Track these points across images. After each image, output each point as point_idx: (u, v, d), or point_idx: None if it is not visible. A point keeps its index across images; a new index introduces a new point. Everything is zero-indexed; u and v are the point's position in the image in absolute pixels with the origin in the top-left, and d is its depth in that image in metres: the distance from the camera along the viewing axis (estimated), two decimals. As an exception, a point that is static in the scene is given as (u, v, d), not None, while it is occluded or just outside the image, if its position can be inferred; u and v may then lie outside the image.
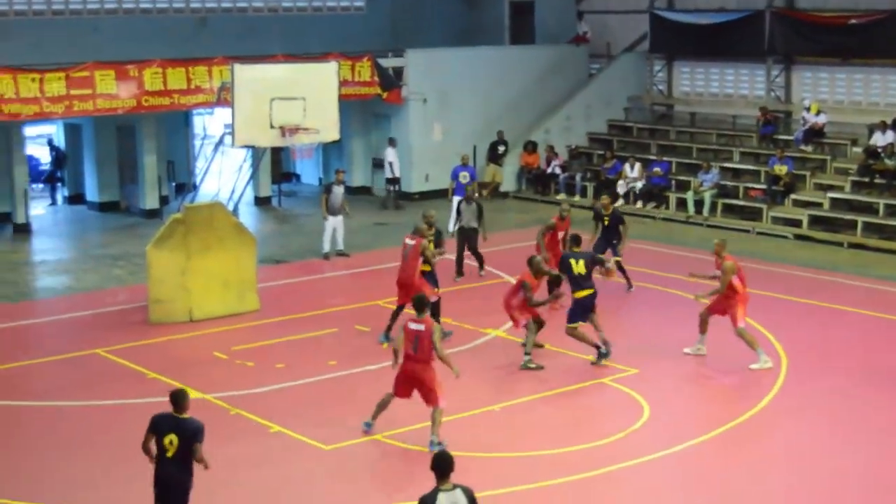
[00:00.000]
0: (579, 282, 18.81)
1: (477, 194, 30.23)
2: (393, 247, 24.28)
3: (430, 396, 15.25)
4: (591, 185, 33.95)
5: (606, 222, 23.73)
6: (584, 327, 18.78)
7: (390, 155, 33.12)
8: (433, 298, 19.05)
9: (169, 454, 11.81)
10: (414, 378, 15.27)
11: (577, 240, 19.58)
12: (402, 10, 38.71)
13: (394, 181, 33.24)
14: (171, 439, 11.79)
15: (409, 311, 17.08)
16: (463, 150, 32.19)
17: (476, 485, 10.46)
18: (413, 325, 15.21)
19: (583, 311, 18.84)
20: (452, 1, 40.17)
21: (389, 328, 19.63)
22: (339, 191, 26.66)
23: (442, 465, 10.31)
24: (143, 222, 30.73)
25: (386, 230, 29.44)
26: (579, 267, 18.77)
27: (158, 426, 11.93)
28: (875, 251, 27.22)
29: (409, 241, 19.88)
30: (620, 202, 32.57)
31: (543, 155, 35.13)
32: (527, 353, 18.60)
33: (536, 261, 18.97)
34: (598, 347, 18.78)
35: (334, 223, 26.58)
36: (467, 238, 24.81)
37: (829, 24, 32.37)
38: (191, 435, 11.79)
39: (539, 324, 18.73)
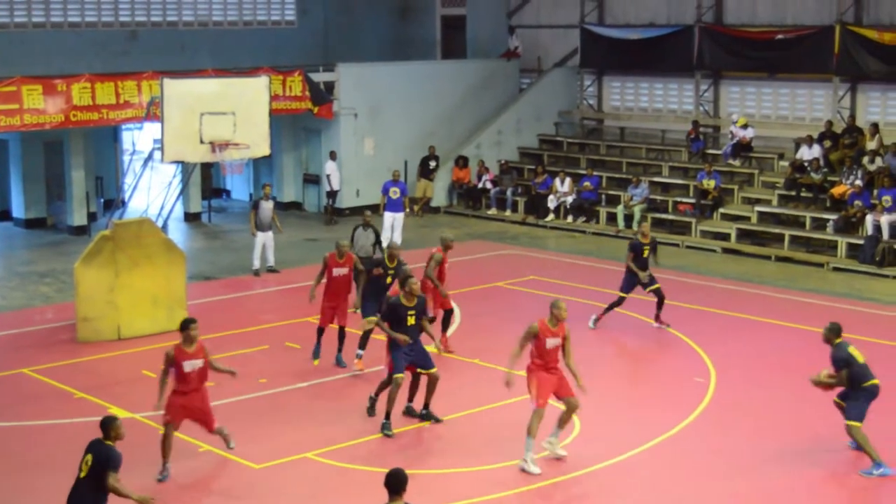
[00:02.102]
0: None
1: (408, 209, 30.31)
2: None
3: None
4: (522, 199, 34.07)
5: (645, 253, 21.93)
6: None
7: (329, 168, 33.05)
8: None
9: (82, 474, 11.81)
10: None
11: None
12: (334, 25, 38.70)
13: (331, 195, 33.18)
14: (87, 459, 11.81)
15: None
16: (394, 165, 32.22)
17: (408, 498, 10.42)
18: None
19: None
20: (384, 15, 40.21)
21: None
22: (267, 206, 26.54)
23: (395, 482, 10.27)
24: (71, 239, 30.40)
25: (317, 246, 29.33)
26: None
27: (88, 446, 11.99)
28: (802, 264, 27.55)
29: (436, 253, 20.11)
30: (551, 217, 32.77)
31: (475, 170, 35.21)
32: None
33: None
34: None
35: (264, 239, 26.45)
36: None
37: (757, 39, 32.78)
38: (104, 460, 11.75)
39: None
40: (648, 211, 31.32)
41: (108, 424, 11.99)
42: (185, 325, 14.87)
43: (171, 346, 14.92)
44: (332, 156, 33.25)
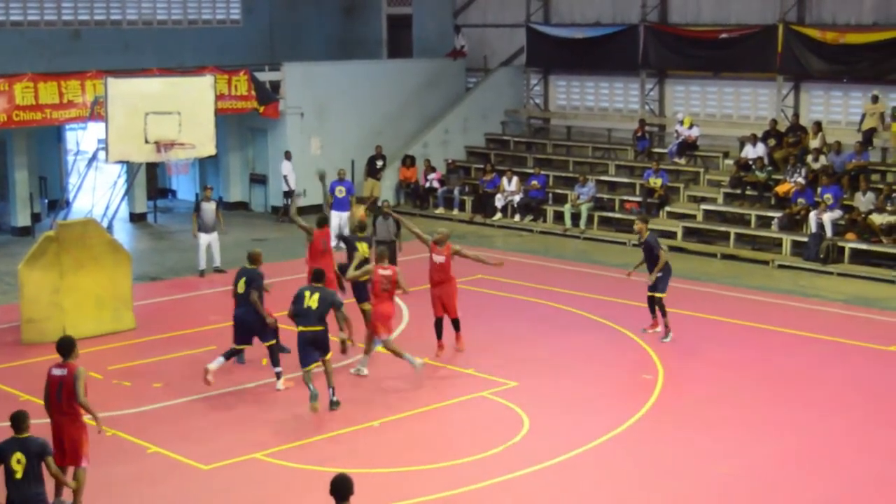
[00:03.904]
0: (308, 316, 17.19)
1: (364, 208, 30.27)
2: (271, 262, 24.15)
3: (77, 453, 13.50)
4: (469, 199, 34.10)
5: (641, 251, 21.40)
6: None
7: (286, 168, 32.92)
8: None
9: (18, 475, 11.72)
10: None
11: (319, 275, 17.83)
12: (279, 24, 38.56)
13: (288, 194, 33.07)
14: (18, 457, 11.71)
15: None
16: (341, 164, 32.12)
17: (356, 501, 10.38)
18: (56, 371, 13.60)
19: (303, 346, 17.28)
20: (330, 14, 40.12)
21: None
22: (209, 207, 26.37)
23: (340, 489, 10.15)
24: (15, 240, 30.08)
25: (264, 246, 29.09)
26: (311, 301, 17.24)
27: (3, 451, 11.85)
28: (747, 262, 27.76)
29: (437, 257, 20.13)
30: (498, 216, 32.81)
31: (422, 169, 35.20)
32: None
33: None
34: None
35: (208, 240, 26.28)
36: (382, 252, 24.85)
37: (701, 38, 33.00)
38: (38, 450, 11.78)
39: None
40: (595, 210, 31.44)
41: (24, 418, 12.04)
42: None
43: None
44: (288, 156, 33.09)
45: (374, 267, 19.16)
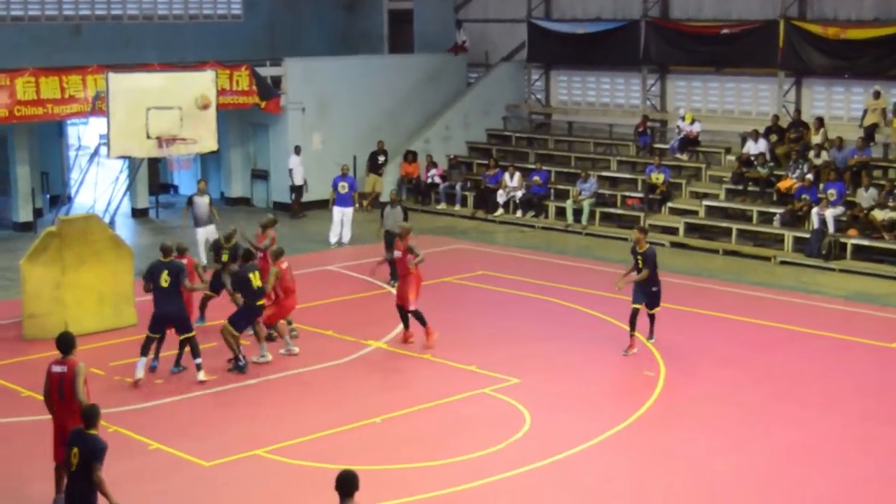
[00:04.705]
0: (258, 295, 18.93)
1: (357, 205, 30.30)
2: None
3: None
4: (471, 194, 34.09)
5: (640, 263, 20.01)
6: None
7: (293, 163, 32.89)
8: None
9: (73, 468, 11.77)
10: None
11: (249, 255, 19.55)
12: (281, 19, 38.54)
13: (295, 189, 33.02)
14: (75, 452, 11.76)
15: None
16: (342, 159, 32.13)
17: (360, 497, 10.38)
18: (56, 368, 13.55)
19: (248, 318, 19.08)
20: (331, 9, 40.09)
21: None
22: (202, 201, 26.29)
23: (346, 485, 10.18)
24: (17, 235, 30.06)
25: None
26: (257, 280, 18.92)
27: (69, 439, 11.97)
28: (749, 258, 27.74)
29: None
30: (500, 211, 32.80)
31: (423, 164, 35.18)
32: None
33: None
34: (236, 359, 18.89)
35: (205, 234, 26.18)
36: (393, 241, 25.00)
37: (702, 33, 32.96)
38: (89, 452, 11.72)
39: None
40: (597, 205, 31.43)
41: (94, 413, 11.96)
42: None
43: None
44: (297, 150, 33.07)
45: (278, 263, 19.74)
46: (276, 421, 16.82)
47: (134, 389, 18.11)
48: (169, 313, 18.39)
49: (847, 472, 15.15)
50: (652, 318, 20.41)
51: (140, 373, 18.29)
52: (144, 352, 18.41)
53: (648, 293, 19.98)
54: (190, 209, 26.37)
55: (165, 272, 18.38)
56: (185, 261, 19.23)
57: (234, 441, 15.94)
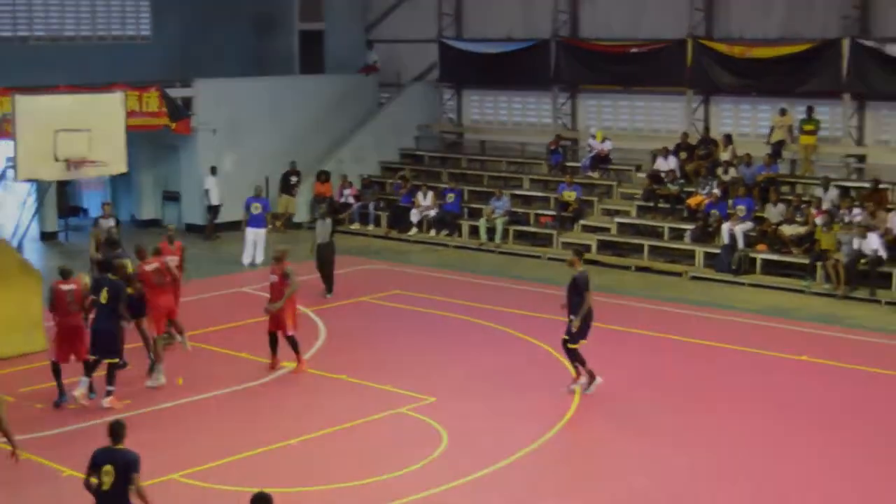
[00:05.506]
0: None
1: (270, 226, 30.15)
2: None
3: None
4: (384, 214, 34.06)
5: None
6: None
7: (209, 183, 32.63)
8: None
9: (105, 487, 11.60)
10: None
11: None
12: (190, 40, 38.16)
13: (211, 209, 32.76)
14: (108, 469, 11.62)
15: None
16: (255, 180, 31.93)
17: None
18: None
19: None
20: (241, 30, 39.80)
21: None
22: (107, 224, 25.99)
23: None
24: (-79, 260, 29.44)
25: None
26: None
27: (96, 459, 11.79)
28: (661, 274, 28.02)
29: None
30: (414, 230, 32.81)
31: (337, 184, 35.09)
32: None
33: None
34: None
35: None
36: (325, 255, 25.18)
37: (612, 52, 33.31)
38: (127, 465, 11.63)
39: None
40: (510, 224, 31.55)
41: (121, 428, 11.97)
42: None
43: None
44: (213, 171, 32.83)
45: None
46: (192, 445, 16.64)
47: (44, 415, 17.83)
48: (100, 331, 18.24)
49: (764, 484, 15.29)
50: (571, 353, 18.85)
51: (83, 390, 18.11)
52: (88, 372, 18.28)
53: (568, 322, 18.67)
54: (97, 232, 25.99)
55: (105, 290, 18.26)
56: (73, 285, 18.84)
57: (148, 466, 15.63)
